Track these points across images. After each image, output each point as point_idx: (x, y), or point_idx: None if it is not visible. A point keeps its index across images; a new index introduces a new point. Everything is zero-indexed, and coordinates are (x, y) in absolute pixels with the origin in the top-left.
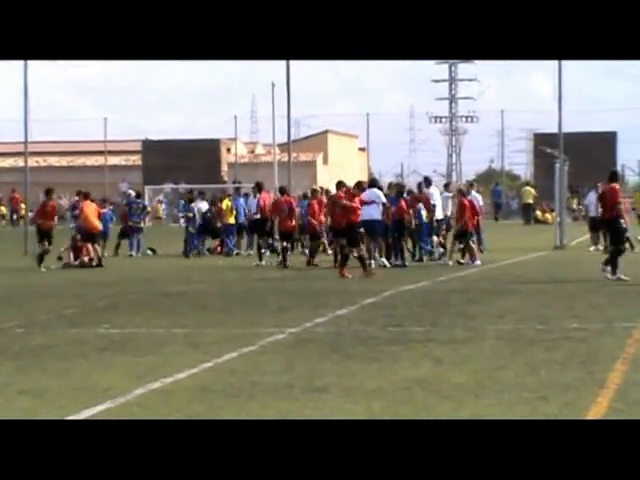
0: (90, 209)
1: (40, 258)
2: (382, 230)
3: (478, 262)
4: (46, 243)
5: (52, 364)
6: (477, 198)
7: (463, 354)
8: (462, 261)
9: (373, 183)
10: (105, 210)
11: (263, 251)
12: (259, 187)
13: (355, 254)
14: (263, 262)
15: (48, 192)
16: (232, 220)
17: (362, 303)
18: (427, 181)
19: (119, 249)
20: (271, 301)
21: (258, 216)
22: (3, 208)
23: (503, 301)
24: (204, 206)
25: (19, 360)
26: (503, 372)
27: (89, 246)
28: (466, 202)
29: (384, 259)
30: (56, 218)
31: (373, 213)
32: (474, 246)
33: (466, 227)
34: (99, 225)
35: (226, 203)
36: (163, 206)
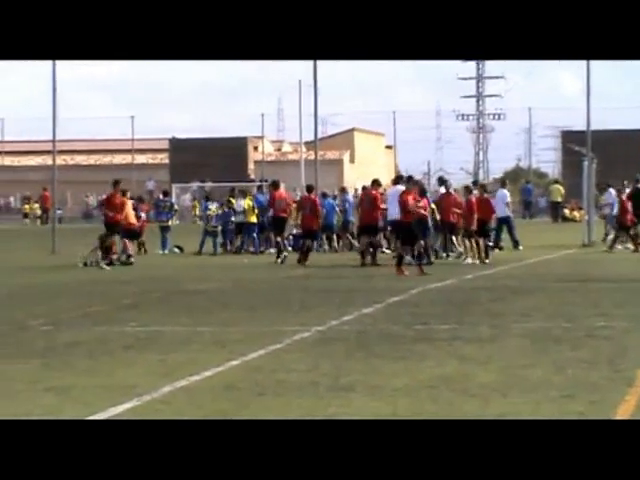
0: (128, 206)
1: (105, 251)
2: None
3: (469, 260)
4: (110, 238)
5: (78, 362)
6: (505, 196)
7: (489, 352)
8: (470, 261)
9: (398, 180)
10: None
11: (282, 249)
12: (274, 185)
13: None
14: (284, 257)
15: (115, 184)
16: (254, 219)
17: (388, 301)
18: (441, 181)
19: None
20: (296, 299)
21: (270, 213)
22: (27, 206)
23: (529, 299)
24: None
25: (45, 358)
26: (529, 370)
27: (126, 242)
28: (473, 199)
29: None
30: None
31: (397, 213)
32: (464, 244)
33: (461, 224)
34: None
35: (247, 202)
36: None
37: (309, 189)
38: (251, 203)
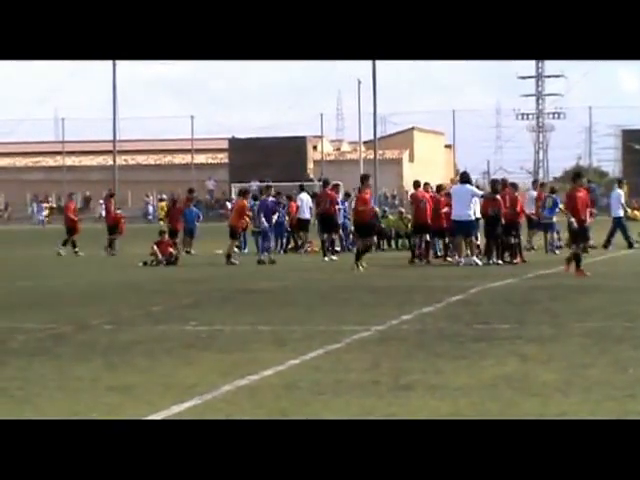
0: (238, 206)
1: (228, 257)
2: (474, 229)
3: (462, 260)
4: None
5: (139, 360)
6: (621, 195)
7: (550, 352)
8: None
9: (465, 178)
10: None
11: (333, 248)
12: (324, 183)
13: (572, 250)
14: (334, 257)
15: (243, 193)
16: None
17: (448, 300)
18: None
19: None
20: (356, 298)
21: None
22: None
23: (590, 298)
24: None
25: (107, 356)
26: (590, 370)
27: (230, 242)
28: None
29: (475, 258)
30: (246, 217)
31: (466, 212)
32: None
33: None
34: (243, 222)
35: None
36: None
37: (416, 185)
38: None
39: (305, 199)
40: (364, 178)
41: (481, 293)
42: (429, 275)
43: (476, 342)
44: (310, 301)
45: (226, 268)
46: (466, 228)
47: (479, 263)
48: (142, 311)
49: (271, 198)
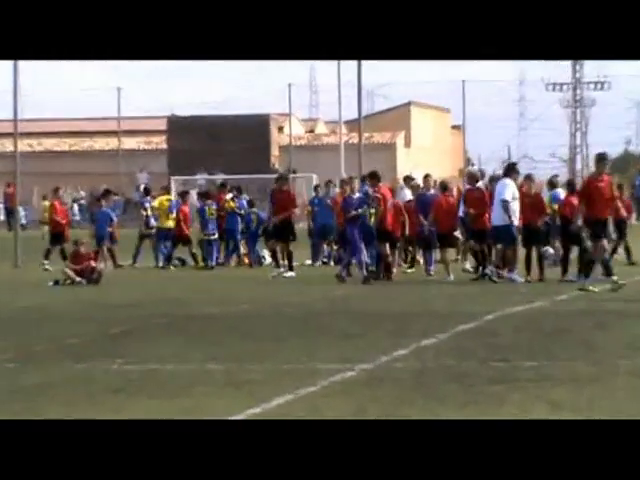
0: (396, 204)
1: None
2: (512, 238)
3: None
4: None
5: (49, 409)
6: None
7: (588, 396)
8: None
9: (507, 172)
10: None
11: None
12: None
13: None
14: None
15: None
16: (169, 224)
17: (456, 329)
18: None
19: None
20: (337, 327)
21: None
22: None
23: (639, 327)
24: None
25: (8, 404)
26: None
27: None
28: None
29: (493, 268)
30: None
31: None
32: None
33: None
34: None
35: (161, 201)
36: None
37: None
38: (167, 203)
39: None
40: (601, 158)
41: (500, 320)
42: (431, 296)
43: (491, 384)
44: (277, 331)
45: (165, 288)
46: (510, 235)
47: (496, 279)
48: (55, 345)
49: (357, 195)
